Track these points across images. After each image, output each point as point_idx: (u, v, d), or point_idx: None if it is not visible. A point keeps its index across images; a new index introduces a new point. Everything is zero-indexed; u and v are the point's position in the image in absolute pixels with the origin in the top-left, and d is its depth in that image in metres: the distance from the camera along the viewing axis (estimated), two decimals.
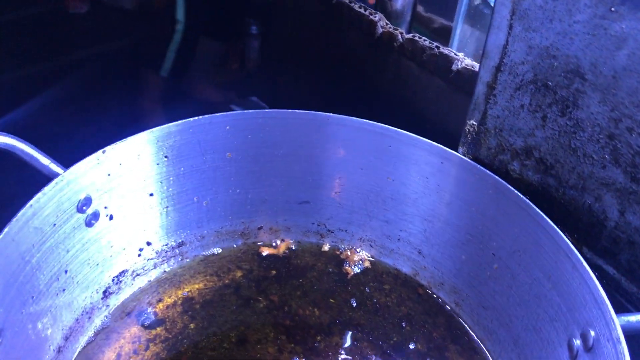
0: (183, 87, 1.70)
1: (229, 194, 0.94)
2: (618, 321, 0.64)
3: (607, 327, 0.64)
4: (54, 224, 0.75)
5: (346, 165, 0.94)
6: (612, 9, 0.64)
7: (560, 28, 0.69)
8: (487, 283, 0.86)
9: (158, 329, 0.86)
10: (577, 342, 0.69)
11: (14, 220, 0.68)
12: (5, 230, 0.67)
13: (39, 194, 0.72)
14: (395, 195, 0.93)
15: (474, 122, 0.82)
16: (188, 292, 0.92)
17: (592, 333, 0.67)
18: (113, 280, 0.87)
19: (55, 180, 0.74)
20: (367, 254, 0.99)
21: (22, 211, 0.70)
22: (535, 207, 0.77)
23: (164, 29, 1.57)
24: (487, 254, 0.86)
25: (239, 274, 0.95)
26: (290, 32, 1.50)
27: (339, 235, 0.99)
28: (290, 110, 0.90)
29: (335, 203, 0.97)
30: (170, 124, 0.84)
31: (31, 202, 0.71)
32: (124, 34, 1.68)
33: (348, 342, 0.86)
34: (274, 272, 0.96)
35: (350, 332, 0.87)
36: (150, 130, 0.83)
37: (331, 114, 0.90)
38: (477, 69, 0.89)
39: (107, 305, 0.87)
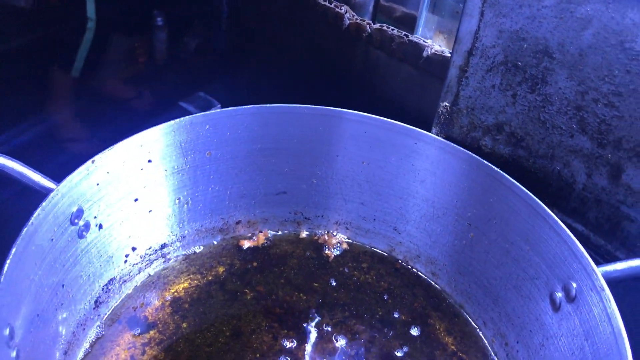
0: (94, 86, 1.64)
1: (208, 192, 0.95)
2: (599, 272, 0.71)
3: (589, 278, 0.72)
4: (52, 239, 0.74)
5: (322, 154, 0.97)
6: None
7: (530, 13, 0.75)
8: (463, 251, 0.93)
9: (151, 332, 0.86)
10: (559, 295, 0.76)
11: (20, 240, 0.67)
12: (13, 251, 0.65)
13: (38, 210, 0.70)
14: (370, 178, 0.97)
15: (447, 104, 0.88)
16: (174, 292, 0.92)
17: (574, 285, 0.74)
18: (103, 289, 0.86)
19: (51, 194, 0.72)
20: (343, 236, 1.03)
21: (25, 230, 0.68)
22: (508, 176, 0.84)
23: (71, 27, 1.51)
24: (462, 224, 0.92)
25: (221, 269, 0.97)
26: (254, 26, 1.48)
27: (316, 222, 1.03)
28: (267, 105, 0.91)
29: (312, 190, 1.00)
30: (154, 127, 0.84)
31: (32, 219, 0.69)
32: (21, 34, 1.59)
33: (337, 321, 0.90)
34: (255, 263, 0.98)
35: (337, 311, 0.91)
36: (135, 135, 0.83)
37: (306, 105, 0.92)
38: (446, 54, 0.95)
39: (99, 315, 0.86)
